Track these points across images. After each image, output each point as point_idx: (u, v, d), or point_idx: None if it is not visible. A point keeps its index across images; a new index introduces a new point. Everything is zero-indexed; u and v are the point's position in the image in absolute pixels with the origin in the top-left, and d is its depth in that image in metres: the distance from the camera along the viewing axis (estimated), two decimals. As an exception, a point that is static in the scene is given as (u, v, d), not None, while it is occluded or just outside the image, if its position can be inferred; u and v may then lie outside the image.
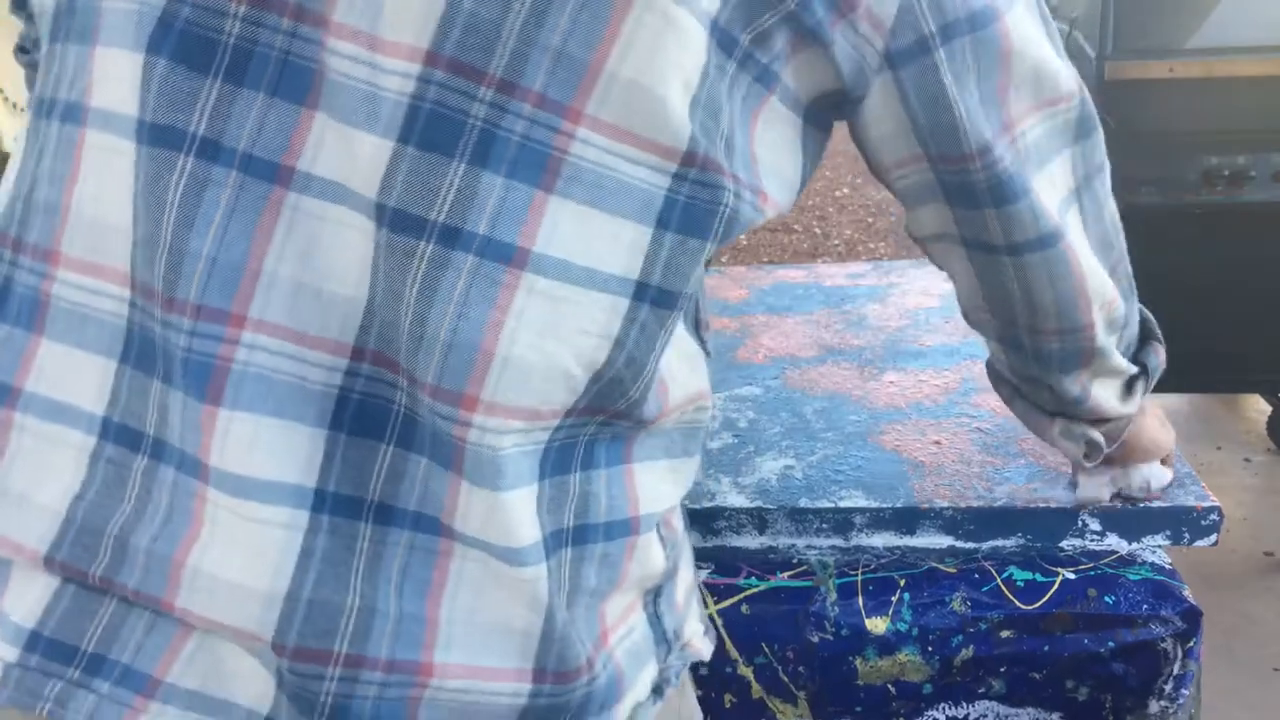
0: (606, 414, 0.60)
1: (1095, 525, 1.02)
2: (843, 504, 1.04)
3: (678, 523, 0.71)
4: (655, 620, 0.67)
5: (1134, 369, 0.83)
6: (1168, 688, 0.99)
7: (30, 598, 0.60)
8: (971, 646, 0.99)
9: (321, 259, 0.56)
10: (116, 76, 0.57)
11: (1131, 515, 1.01)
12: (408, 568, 0.58)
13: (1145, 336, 0.85)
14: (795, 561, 1.05)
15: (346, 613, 0.57)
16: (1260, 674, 1.92)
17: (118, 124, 0.57)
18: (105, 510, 0.59)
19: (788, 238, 4.91)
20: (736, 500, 1.06)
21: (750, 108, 0.59)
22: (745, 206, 0.60)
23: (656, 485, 0.65)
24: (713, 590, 1.03)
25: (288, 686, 0.59)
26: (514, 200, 0.54)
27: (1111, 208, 0.77)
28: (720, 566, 1.05)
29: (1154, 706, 1.00)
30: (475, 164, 0.54)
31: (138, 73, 0.56)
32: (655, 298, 0.58)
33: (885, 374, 1.34)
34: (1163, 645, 0.98)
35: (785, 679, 1.02)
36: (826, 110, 0.65)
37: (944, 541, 1.04)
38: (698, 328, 0.68)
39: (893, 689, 1.01)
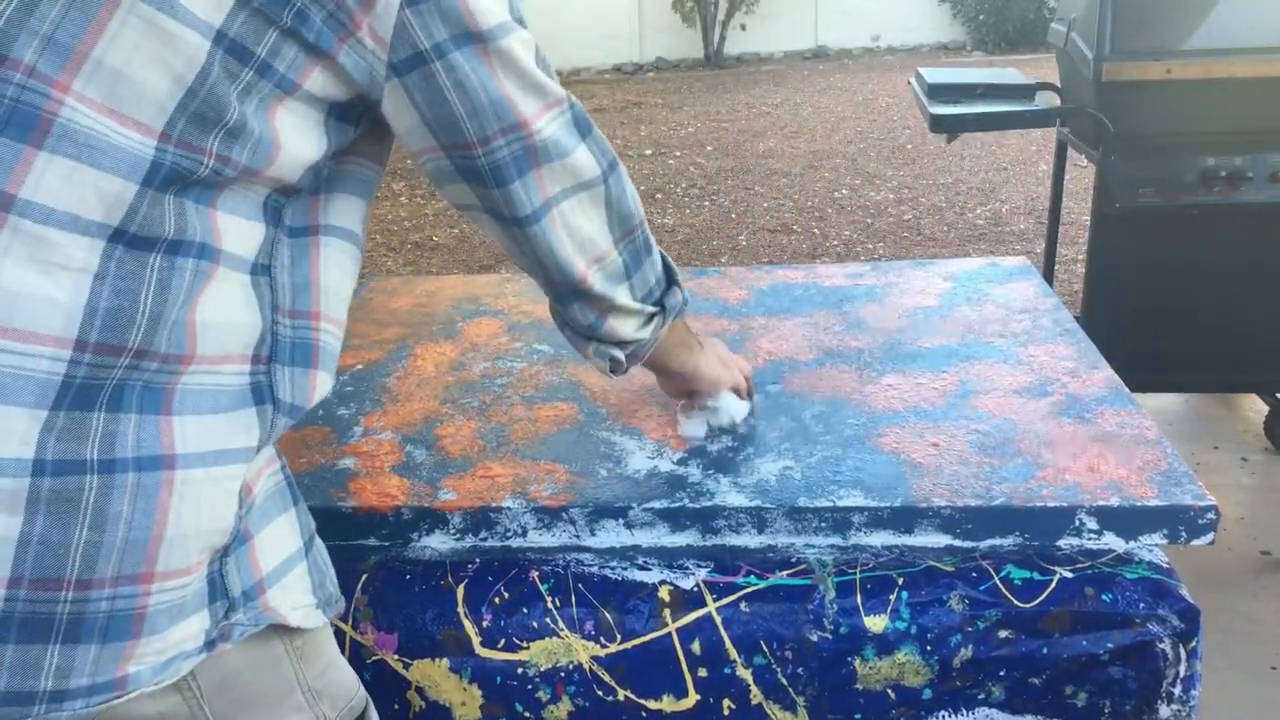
0: (123, 352, 0.69)
1: (1093, 524, 1.03)
2: (841, 503, 1.05)
3: (261, 490, 0.80)
4: (218, 578, 0.75)
5: (650, 308, 1.06)
6: (1176, 690, 1.00)
7: None
8: (970, 646, 1.00)
9: None
10: None
11: (1129, 514, 1.02)
12: None
13: (670, 283, 1.08)
14: (794, 560, 1.05)
15: None
16: (1258, 673, 1.92)
17: None
18: None
19: (787, 238, 4.92)
20: (735, 499, 1.07)
21: (268, 105, 0.74)
22: (222, 178, 0.74)
23: (205, 434, 0.74)
24: (712, 589, 1.03)
25: None
26: (4, 154, 0.65)
27: (631, 189, 0.99)
28: (719, 565, 1.05)
29: (1165, 711, 1.00)
30: None
31: None
32: (131, 241, 0.69)
33: (883, 377, 1.35)
34: (1161, 646, 0.99)
35: (784, 681, 1.02)
36: (355, 108, 0.82)
37: (942, 540, 1.05)
38: (273, 312, 0.80)
39: (892, 694, 1.02)
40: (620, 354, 1.06)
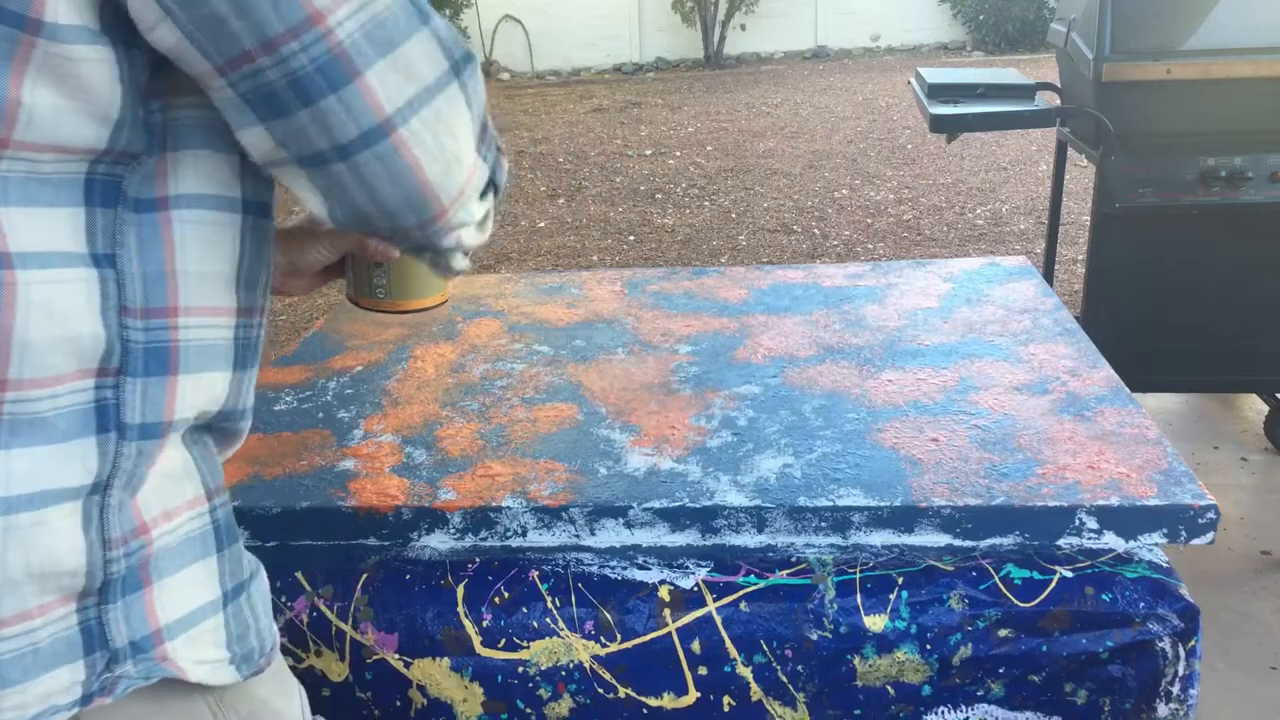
0: None
1: (1093, 523, 1.03)
2: (841, 502, 1.05)
3: (167, 532, 0.71)
4: (95, 626, 0.68)
5: (490, 202, 0.80)
6: (1175, 689, 1.00)
7: None
8: (970, 645, 1.00)
9: None
10: None
11: (1129, 513, 1.02)
12: None
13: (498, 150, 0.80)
14: (794, 559, 1.05)
15: None
16: (1257, 673, 1.92)
17: None
18: None
19: (787, 239, 4.92)
20: (735, 499, 1.07)
21: (7, 54, 0.59)
22: None
23: (33, 471, 0.64)
24: (712, 588, 1.03)
25: None
26: None
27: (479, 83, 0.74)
28: (719, 565, 1.05)
29: (1164, 709, 1.01)
30: None
31: None
32: None
33: (883, 373, 1.35)
34: (1160, 645, 0.99)
35: (784, 679, 1.02)
36: (128, 27, 0.62)
37: (942, 540, 1.05)
38: (120, 315, 0.67)
39: (891, 691, 1.02)
40: (464, 263, 0.82)
